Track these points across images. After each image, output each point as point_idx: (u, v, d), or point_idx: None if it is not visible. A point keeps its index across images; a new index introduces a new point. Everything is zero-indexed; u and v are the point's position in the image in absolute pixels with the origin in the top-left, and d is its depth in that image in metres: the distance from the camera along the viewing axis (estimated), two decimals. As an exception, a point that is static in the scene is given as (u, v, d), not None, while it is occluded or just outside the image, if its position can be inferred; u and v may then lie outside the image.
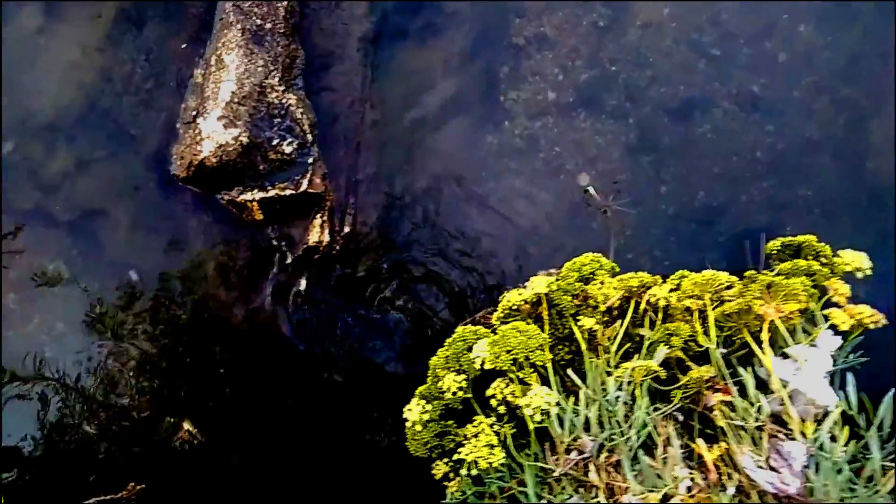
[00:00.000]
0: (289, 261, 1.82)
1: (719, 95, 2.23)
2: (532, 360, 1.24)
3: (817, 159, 2.18)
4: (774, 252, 1.65)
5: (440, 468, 1.37)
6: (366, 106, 2.01)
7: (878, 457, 1.19)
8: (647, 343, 1.39)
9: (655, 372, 1.29)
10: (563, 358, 1.44)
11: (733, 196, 2.17)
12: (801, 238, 1.63)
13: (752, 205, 2.16)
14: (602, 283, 1.42)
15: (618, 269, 1.57)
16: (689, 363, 1.37)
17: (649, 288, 1.39)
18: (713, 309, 1.37)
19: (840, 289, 1.33)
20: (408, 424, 1.36)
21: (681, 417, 1.44)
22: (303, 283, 1.82)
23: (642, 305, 1.45)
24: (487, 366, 1.28)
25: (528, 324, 1.28)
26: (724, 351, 1.46)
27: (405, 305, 1.91)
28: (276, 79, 1.80)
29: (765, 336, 1.29)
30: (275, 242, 1.83)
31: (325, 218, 1.77)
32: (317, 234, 1.77)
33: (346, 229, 1.83)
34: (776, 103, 2.21)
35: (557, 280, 1.41)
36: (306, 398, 1.86)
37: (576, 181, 2.16)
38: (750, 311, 1.35)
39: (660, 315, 1.41)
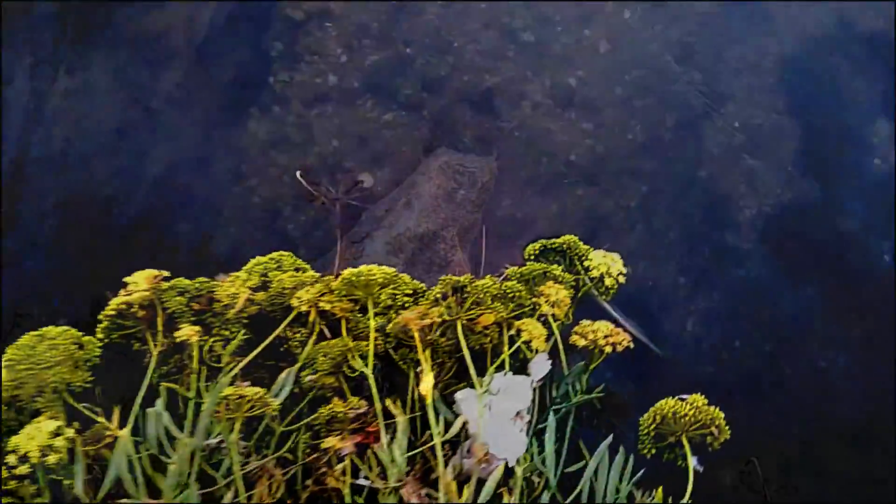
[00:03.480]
0: None
1: (530, 88, 1.89)
2: (52, 385, 0.83)
3: (641, 165, 1.84)
4: (532, 256, 1.28)
5: None
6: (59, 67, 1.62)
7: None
8: (297, 366, 0.99)
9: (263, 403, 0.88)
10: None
11: (542, 205, 1.81)
12: (563, 239, 1.26)
13: (564, 216, 1.80)
14: (233, 281, 1.02)
15: (310, 272, 1.17)
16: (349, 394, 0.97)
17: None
18: (379, 317, 0.98)
19: (553, 295, 0.95)
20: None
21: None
22: None
23: (312, 315, 1.05)
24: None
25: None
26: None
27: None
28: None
29: (422, 357, 0.89)
30: None
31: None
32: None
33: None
34: (595, 99, 1.88)
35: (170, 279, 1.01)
36: None
37: (358, 181, 1.77)
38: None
39: (316, 327, 1.01)
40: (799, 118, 1.87)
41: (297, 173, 1.54)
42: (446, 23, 1.92)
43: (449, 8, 1.93)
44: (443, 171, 1.68)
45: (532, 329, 0.93)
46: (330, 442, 0.87)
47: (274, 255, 1.16)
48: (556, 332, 1.11)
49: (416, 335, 0.90)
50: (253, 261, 1.16)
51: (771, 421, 1.58)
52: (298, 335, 1.09)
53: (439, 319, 0.90)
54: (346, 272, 0.97)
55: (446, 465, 0.89)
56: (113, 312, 0.98)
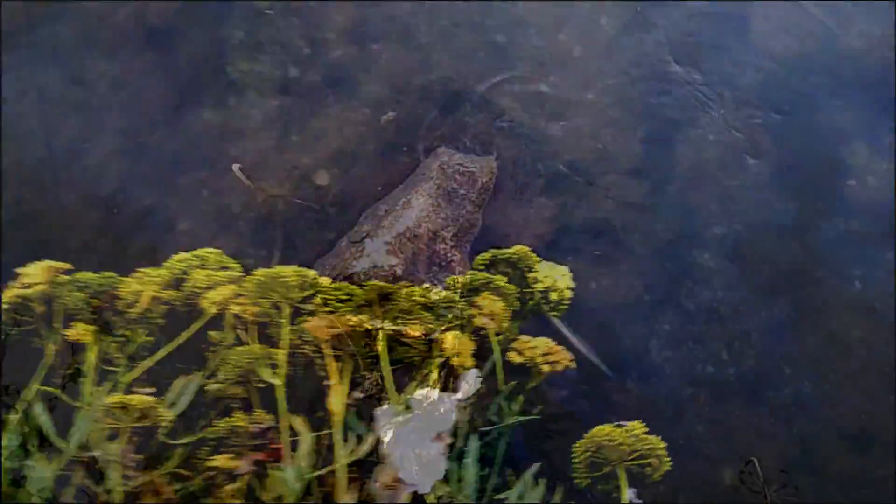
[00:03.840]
0: None
1: (501, 90, 1.82)
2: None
3: (610, 177, 1.77)
4: (481, 267, 1.20)
5: None
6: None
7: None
8: (200, 374, 0.90)
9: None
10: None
11: (504, 214, 1.73)
12: (514, 249, 1.19)
13: (527, 225, 1.72)
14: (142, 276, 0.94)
15: (239, 271, 1.09)
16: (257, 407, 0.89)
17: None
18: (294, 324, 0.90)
19: (487, 306, 0.88)
20: None
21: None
22: None
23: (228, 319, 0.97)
24: None
25: None
26: (361, 395, 0.98)
27: None
28: None
29: (331, 368, 0.82)
30: None
31: None
32: None
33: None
34: (566, 106, 1.81)
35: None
36: None
37: (311, 178, 1.69)
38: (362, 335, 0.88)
39: (229, 334, 0.93)
40: (775, 136, 1.81)
41: (234, 166, 1.46)
42: (416, 20, 1.86)
43: (420, 4, 1.86)
44: (443, 171, 1.63)
45: (458, 342, 0.85)
46: (220, 461, 0.79)
47: (199, 251, 1.08)
48: (496, 346, 1.03)
49: (325, 345, 0.82)
50: (176, 256, 1.08)
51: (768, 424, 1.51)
52: (225, 340, 1.01)
53: (361, 328, 0.82)
54: (257, 272, 0.90)
55: (357, 488, 0.81)
56: (7, 307, 0.90)
